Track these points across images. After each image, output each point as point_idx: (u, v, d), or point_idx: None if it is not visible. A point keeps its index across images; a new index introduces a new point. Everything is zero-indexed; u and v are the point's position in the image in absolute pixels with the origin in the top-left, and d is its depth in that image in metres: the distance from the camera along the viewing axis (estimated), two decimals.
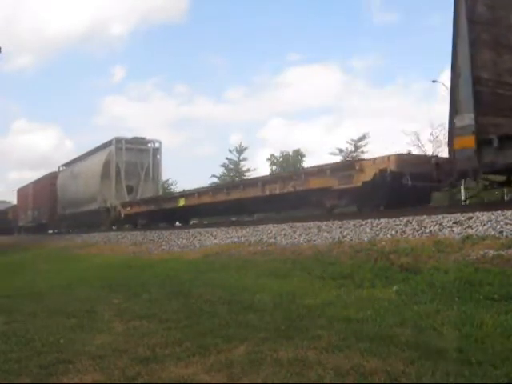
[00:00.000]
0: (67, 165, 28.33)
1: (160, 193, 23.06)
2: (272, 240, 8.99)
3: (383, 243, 6.77)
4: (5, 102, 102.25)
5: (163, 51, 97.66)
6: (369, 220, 8.06)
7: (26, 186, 35.98)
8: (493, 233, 5.89)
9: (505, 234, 5.76)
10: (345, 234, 7.85)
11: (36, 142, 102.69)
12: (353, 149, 40.09)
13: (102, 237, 17.50)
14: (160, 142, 23.33)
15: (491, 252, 5.29)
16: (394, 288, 4.95)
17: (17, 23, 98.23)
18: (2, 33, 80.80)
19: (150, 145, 22.96)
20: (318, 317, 4.19)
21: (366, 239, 7.26)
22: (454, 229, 6.43)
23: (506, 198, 19.57)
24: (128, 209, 19.31)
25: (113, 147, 21.83)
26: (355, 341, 3.41)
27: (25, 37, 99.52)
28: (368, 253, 6.49)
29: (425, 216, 7.33)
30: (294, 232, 8.94)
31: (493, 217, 6.30)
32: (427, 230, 6.76)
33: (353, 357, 3.09)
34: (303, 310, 4.47)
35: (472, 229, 6.23)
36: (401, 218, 7.58)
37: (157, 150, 23.04)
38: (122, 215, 19.45)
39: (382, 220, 7.83)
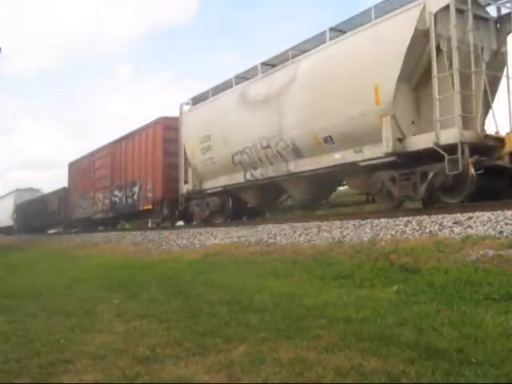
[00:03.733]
0: (215, 91, 13.33)
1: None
2: (272, 240, 8.99)
3: (383, 243, 6.77)
4: (8, 101, 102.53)
5: (171, 52, 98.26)
6: (369, 220, 8.06)
7: (91, 155, 21.81)
8: (493, 233, 5.89)
9: (505, 234, 5.76)
10: (345, 234, 7.85)
11: (38, 142, 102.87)
12: None
13: (102, 237, 17.51)
14: None
15: (491, 252, 5.29)
16: (394, 288, 4.94)
17: (24, 25, 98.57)
18: (8, 33, 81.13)
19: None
20: (318, 317, 4.19)
21: (366, 239, 7.25)
22: (454, 229, 6.42)
23: None
24: None
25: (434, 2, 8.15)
26: (355, 341, 3.41)
27: (32, 38, 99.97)
28: (368, 253, 6.48)
29: (425, 216, 7.33)
30: (294, 232, 8.93)
31: (493, 217, 6.29)
32: (427, 230, 6.75)
33: (353, 357, 3.09)
34: (303, 310, 4.47)
35: (472, 229, 6.22)
36: (401, 218, 7.58)
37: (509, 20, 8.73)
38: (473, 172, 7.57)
39: (382, 220, 7.83)
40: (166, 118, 16.07)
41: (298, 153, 10.44)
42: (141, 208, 16.82)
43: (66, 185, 27.18)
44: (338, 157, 9.58)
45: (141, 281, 7.32)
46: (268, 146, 11.06)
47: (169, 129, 15.59)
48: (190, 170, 14.12)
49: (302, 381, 2.79)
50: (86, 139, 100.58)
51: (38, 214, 29.50)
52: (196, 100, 14.40)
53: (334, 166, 9.69)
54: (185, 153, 14.37)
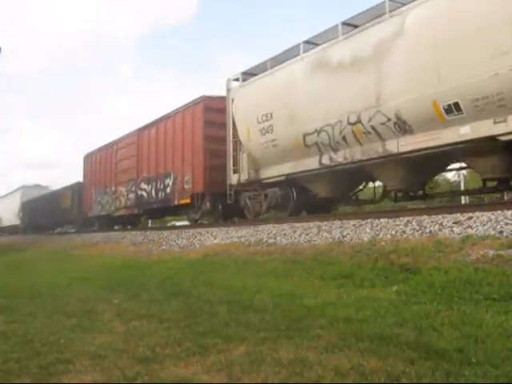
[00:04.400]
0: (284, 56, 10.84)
1: None
2: (272, 240, 8.99)
3: (383, 243, 6.77)
4: (8, 101, 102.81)
5: (171, 52, 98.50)
6: (369, 220, 8.06)
7: (112, 144, 19.34)
8: (493, 233, 5.88)
9: (505, 234, 5.76)
10: (345, 234, 7.85)
11: (38, 142, 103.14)
12: None
13: (102, 237, 17.51)
14: None
15: (491, 252, 5.29)
16: (394, 288, 4.95)
17: (24, 25, 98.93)
18: (8, 33, 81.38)
19: None
20: (318, 317, 4.19)
21: (366, 239, 7.25)
22: (454, 229, 6.42)
23: (505, 197, 19.57)
24: None
25: None
26: (355, 341, 3.41)
27: (32, 38, 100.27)
28: (368, 253, 6.48)
29: (425, 216, 7.33)
30: (294, 232, 8.93)
31: (493, 217, 6.29)
32: (427, 230, 6.75)
33: (353, 357, 3.09)
34: (303, 310, 4.47)
35: (472, 229, 6.22)
36: (401, 218, 7.58)
37: None
38: None
39: (382, 220, 7.83)
40: (208, 97, 13.64)
41: (403, 128, 8.15)
42: (176, 202, 14.58)
43: (66, 184, 26.41)
44: (467, 131, 7.30)
45: (141, 281, 7.33)
46: (358, 122, 8.76)
47: (211, 110, 13.33)
48: (243, 157, 11.70)
49: (301, 381, 2.79)
50: (86, 139, 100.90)
51: (48, 212, 27.25)
52: (248, 74, 12.02)
53: (458, 143, 7.44)
54: (234, 136, 11.99)
